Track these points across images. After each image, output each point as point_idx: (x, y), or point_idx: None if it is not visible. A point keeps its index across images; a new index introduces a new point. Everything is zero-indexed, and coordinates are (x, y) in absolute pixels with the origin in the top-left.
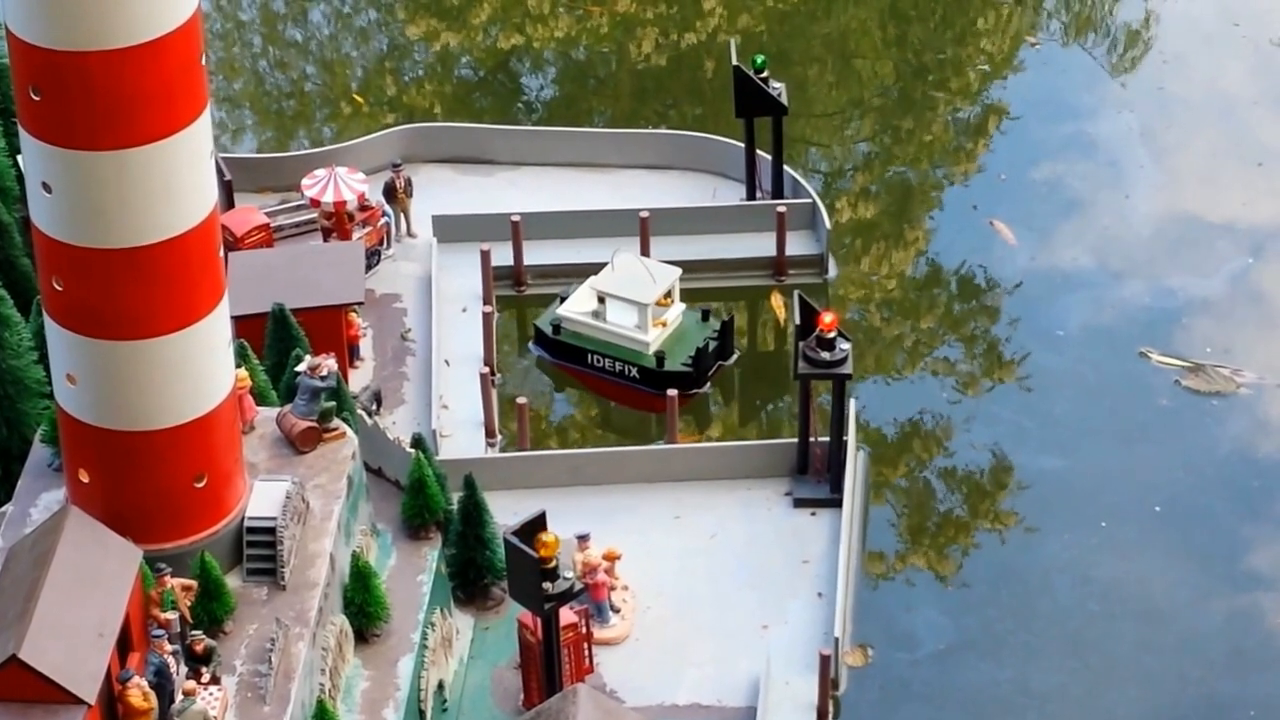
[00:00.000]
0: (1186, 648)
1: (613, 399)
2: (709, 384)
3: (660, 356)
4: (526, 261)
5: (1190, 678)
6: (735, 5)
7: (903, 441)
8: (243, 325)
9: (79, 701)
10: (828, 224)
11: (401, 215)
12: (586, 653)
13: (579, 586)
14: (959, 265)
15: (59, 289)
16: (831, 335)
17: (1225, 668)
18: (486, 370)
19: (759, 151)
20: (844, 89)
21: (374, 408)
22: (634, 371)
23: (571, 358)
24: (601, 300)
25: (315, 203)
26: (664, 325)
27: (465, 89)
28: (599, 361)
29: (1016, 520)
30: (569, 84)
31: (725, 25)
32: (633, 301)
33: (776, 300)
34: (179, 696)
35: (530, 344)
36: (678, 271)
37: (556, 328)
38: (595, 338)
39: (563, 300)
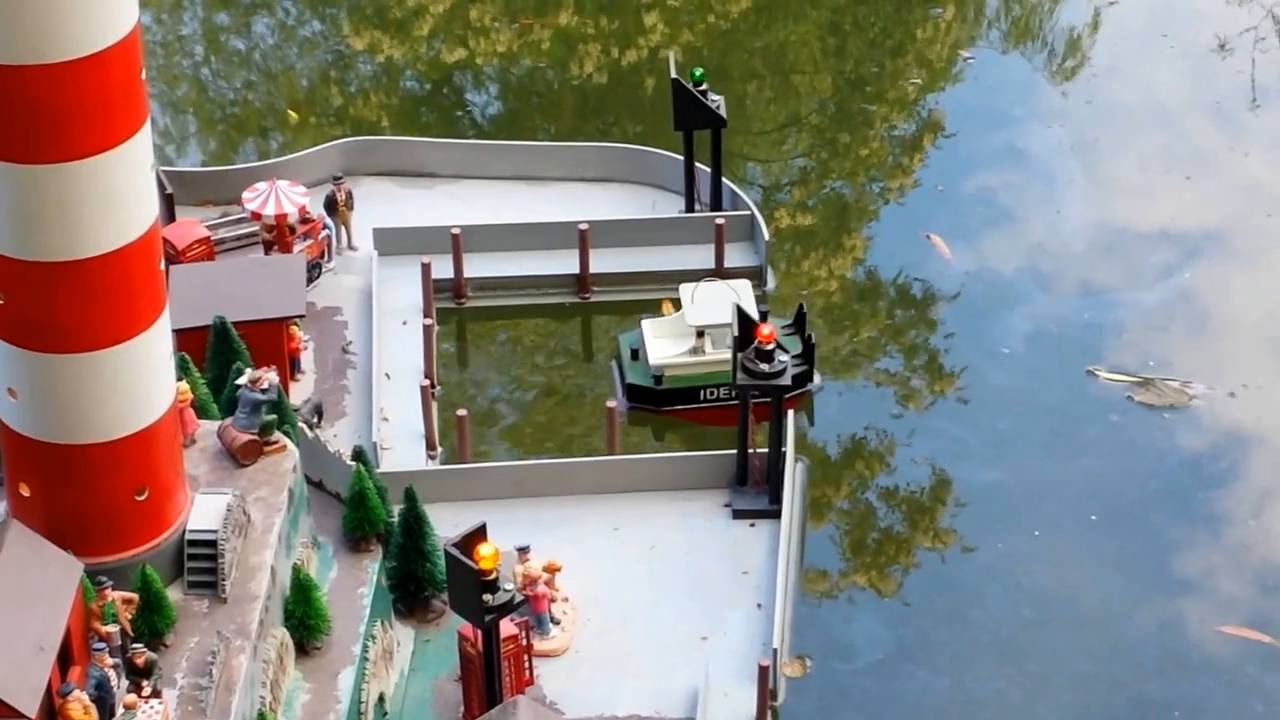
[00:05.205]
0: (1118, 652)
1: (723, 424)
2: (817, 375)
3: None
4: (467, 274)
5: (1120, 681)
6: (676, 21)
7: (843, 456)
8: (184, 338)
9: (19, 715)
10: (766, 235)
11: (342, 228)
12: (527, 664)
13: (519, 598)
14: (897, 279)
15: (0, 302)
16: (770, 347)
17: (1155, 671)
18: (427, 383)
19: (697, 164)
20: (783, 104)
21: (315, 420)
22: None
23: (680, 401)
24: (700, 334)
25: (256, 216)
26: None
27: (411, 103)
28: (713, 394)
29: (954, 532)
30: (512, 99)
31: (666, 41)
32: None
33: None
34: (120, 710)
35: (620, 402)
36: (748, 281)
37: (658, 379)
38: (705, 373)
39: (635, 354)
